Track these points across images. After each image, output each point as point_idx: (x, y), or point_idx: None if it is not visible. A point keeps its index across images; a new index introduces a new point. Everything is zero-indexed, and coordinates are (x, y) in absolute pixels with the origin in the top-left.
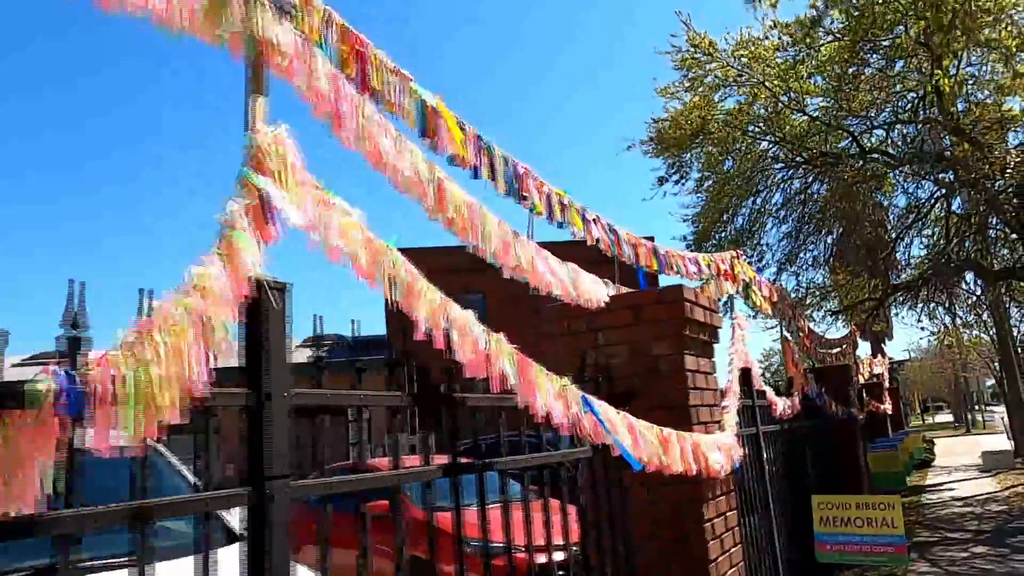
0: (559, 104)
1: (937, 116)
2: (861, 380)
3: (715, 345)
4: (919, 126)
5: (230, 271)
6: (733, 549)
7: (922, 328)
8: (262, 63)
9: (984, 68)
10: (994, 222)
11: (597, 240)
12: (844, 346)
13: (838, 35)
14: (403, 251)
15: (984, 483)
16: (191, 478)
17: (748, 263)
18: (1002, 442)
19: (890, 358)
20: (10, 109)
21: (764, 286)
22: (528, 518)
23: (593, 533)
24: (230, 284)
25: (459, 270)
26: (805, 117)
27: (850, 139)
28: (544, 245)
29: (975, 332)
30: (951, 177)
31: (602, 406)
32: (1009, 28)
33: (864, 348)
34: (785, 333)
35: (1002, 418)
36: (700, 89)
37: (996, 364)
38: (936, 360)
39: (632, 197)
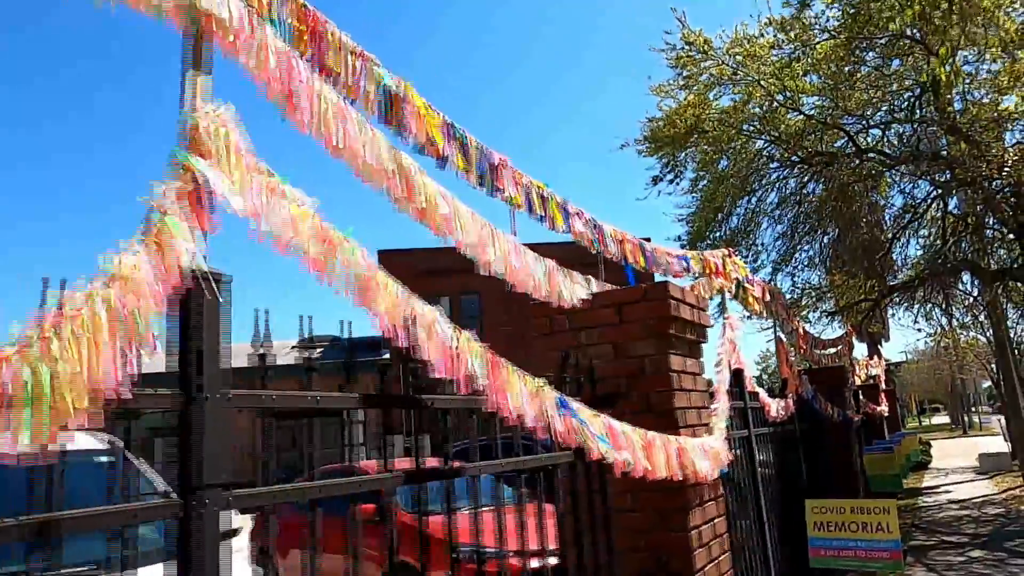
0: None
1: (934, 115)
2: (857, 382)
3: (704, 345)
4: (915, 125)
5: (158, 260)
6: (721, 557)
7: (919, 330)
8: (203, 37)
9: (981, 67)
10: (991, 222)
11: (580, 236)
12: (840, 347)
13: (834, 32)
14: (396, 252)
15: (981, 486)
16: (160, 485)
17: (743, 262)
18: (999, 444)
19: (886, 360)
20: None
21: (757, 285)
22: (499, 524)
23: (573, 541)
24: (158, 274)
25: (454, 271)
26: (801, 116)
27: (846, 138)
28: (533, 246)
29: (972, 334)
30: (948, 176)
31: (580, 408)
32: (1006, 24)
33: (860, 349)
34: (779, 334)
35: (999, 420)
36: (695, 87)
37: (993, 366)
38: (933, 362)
39: (627, 197)
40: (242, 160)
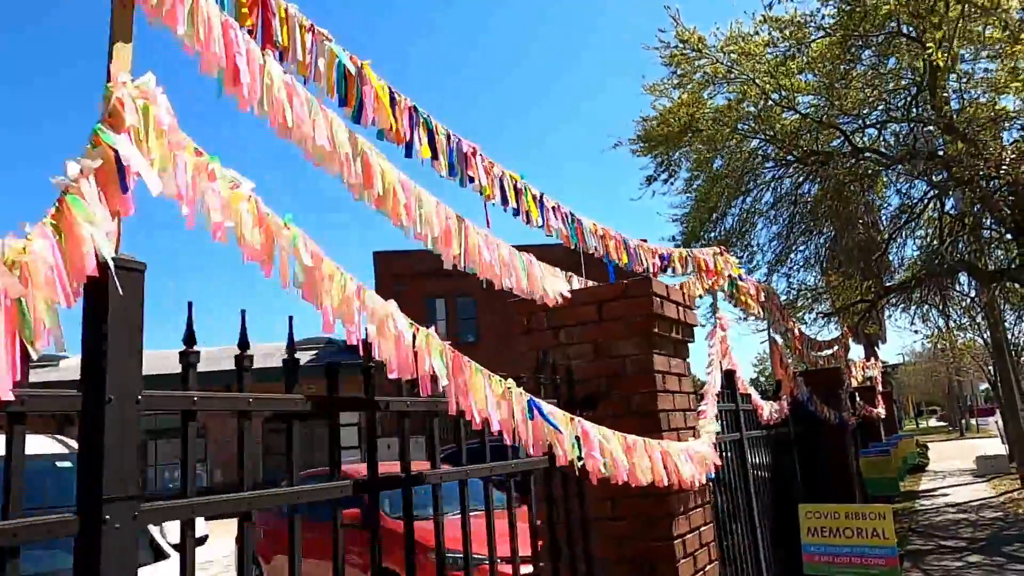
0: (557, 103)
1: (930, 114)
2: (854, 383)
3: (691, 345)
4: (912, 124)
5: (63, 246)
6: (708, 567)
7: (915, 331)
8: (126, 3)
9: (977, 65)
10: (988, 222)
11: (556, 231)
12: (836, 348)
13: (829, 30)
14: (392, 253)
15: (978, 488)
16: None
17: (737, 262)
18: (996, 446)
19: (883, 362)
20: None
21: (751, 284)
22: (465, 530)
23: (550, 550)
24: (61, 261)
25: (450, 273)
26: (796, 115)
27: (842, 138)
28: (523, 248)
29: (969, 335)
30: (944, 176)
31: (552, 411)
32: (1004, 22)
33: (857, 351)
34: (773, 334)
35: (996, 422)
36: (689, 86)
37: (991, 368)
38: (930, 364)
39: (622, 197)
40: (165, 136)
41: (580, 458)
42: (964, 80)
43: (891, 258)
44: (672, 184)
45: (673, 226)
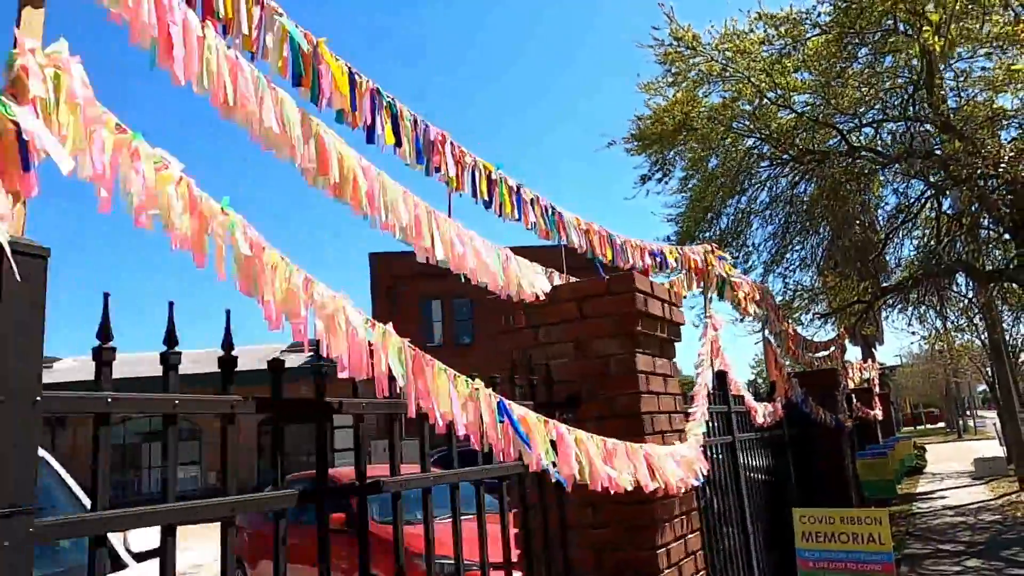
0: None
1: (927, 112)
2: (851, 385)
3: (677, 344)
4: (908, 123)
5: None
6: None
7: (913, 332)
8: None
9: (975, 64)
10: (986, 222)
11: (533, 225)
12: (832, 350)
13: (825, 28)
14: (388, 255)
15: (976, 491)
16: (83, 498)
17: (732, 264)
18: (994, 448)
19: (881, 363)
20: None
21: (744, 283)
22: (428, 536)
23: (525, 560)
24: None
25: (447, 274)
26: (792, 114)
27: (838, 137)
28: (520, 249)
29: (967, 336)
30: (941, 175)
31: (524, 414)
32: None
33: (854, 353)
34: (767, 335)
35: (994, 424)
36: (684, 84)
37: (988, 369)
38: (927, 365)
39: (617, 197)
40: (79, 110)
41: (554, 464)
42: (961, 79)
43: (888, 258)
44: (667, 183)
45: (668, 226)
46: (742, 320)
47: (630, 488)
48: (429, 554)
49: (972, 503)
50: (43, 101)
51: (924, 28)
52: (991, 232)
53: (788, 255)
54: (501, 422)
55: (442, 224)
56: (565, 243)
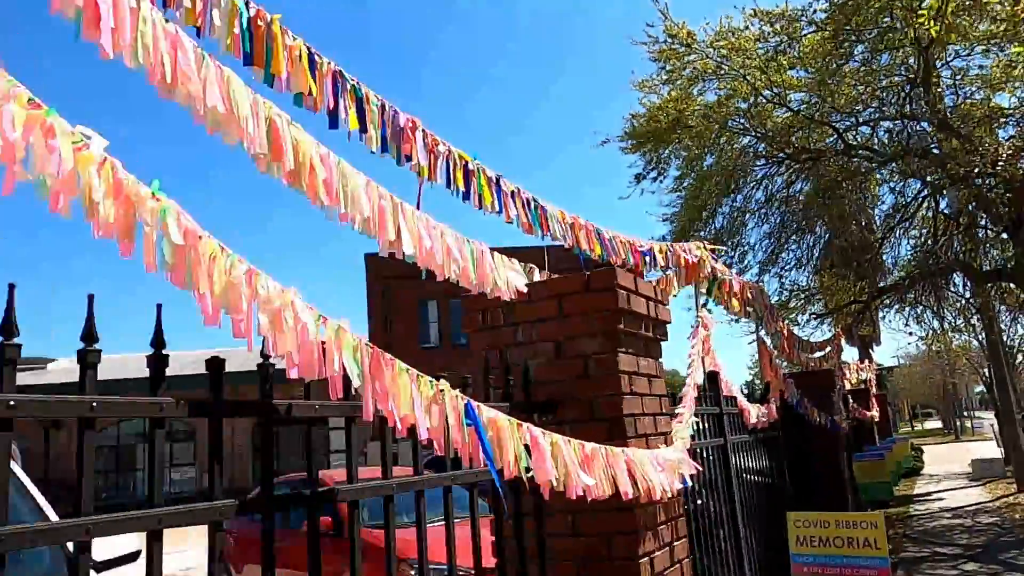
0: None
1: (924, 110)
2: (847, 386)
3: (663, 344)
4: (905, 121)
5: None
6: None
7: (910, 333)
8: None
9: (972, 61)
10: (983, 221)
11: (515, 218)
12: (828, 350)
13: (821, 24)
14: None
15: (974, 493)
16: (46, 508)
17: (727, 264)
18: (992, 449)
19: (878, 364)
20: None
21: (736, 282)
22: (389, 544)
23: (498, 571)
24: None
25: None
26: (787, 112)
27: (834, 135)
28: (520, 250)
29: (964, 337)
30: (939, 174)
31: (495, 417)
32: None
33: (851, 353)
34: (762, 335)
35: (992, 425)
36: (678, 82)
37: (986, 370)
38: (925, 365)
39: (610, 196)
40: None
41: (528, 470)
42: (959, 77)
43: (885, 258)
44: (661, 183)
45: (663, 225)
46: (737, 321)
47: (608, 495)
48: (390, 562)
49: (969, 505)
50: None
51: (920, 12)
52: (988, 231)
53: (784, 255)
54: (469, 425)
55: (409, 216)
56: (550, 237)
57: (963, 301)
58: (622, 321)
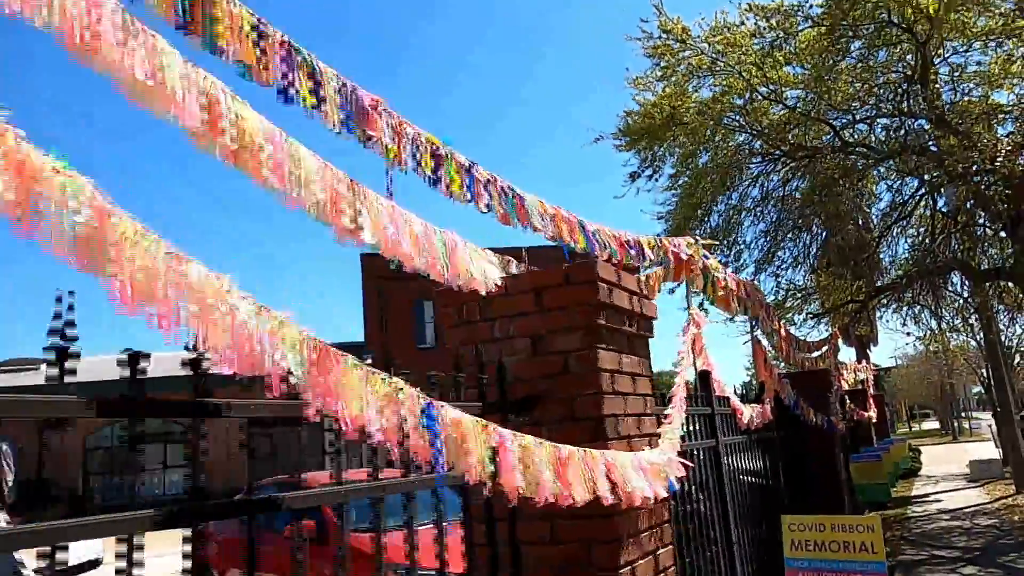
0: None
1: (921, 106)
2: (844, 386)
3: (650, 340)
4: (903, 118)
5: None
6: None
7: (907, 333)
8: None
9: (970, 58)
10: (982, 219)
11: (488, 208)
12: (825, 350)
13: (817, 20)
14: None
15: (972, 494)
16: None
17: (723, 263)
18: (990, 450)
19: (875, 365)
20: None
21: (730, 278)
22: (343, 555)
23: None
24: None
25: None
26: (783, 109)
27: (831, 132)
28: (504, 251)
29: (962, 337)
30: (936, 172)
31: (459, 418)
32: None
33: (848, 353)
34: (757, 334)
35: (989, 426)
36: (673, 78)
37: (984, 370)
38: (923, 366)
39: (601, 193)
40: None
41: (495, 475)
42: (956, 73)
43: (882, 256)
44: (656, 180)
45: (658, 224)
46: (732, 320)
47: (585, 500)
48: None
49: (968, 506)
50: None
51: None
52: (987, 229)
53: (780, 253)
54: (429, 427)
55: (371, 203)
56: (530, 230)
57: (961, 300)
58: (603, 316)
